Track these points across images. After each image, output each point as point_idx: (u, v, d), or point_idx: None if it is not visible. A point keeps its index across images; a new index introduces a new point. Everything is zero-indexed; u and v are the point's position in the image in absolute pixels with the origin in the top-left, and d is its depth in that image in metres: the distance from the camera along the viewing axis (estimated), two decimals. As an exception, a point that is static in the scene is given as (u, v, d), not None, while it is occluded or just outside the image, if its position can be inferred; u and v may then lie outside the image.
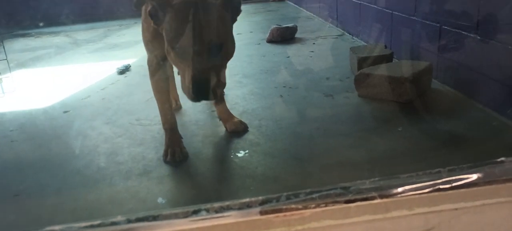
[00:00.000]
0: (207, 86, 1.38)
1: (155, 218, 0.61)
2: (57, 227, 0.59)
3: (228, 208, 0.62)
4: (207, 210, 0.62)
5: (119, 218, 0.60)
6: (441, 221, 0.63)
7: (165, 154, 1.68)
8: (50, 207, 1.47)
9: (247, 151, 1.70)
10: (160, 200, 1.41)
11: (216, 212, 0.62)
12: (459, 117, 1.84)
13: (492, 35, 1.76)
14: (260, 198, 0.63)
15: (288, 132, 1.86)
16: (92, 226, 0.59)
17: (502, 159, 0.65)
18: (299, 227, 0.62)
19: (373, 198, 0.62)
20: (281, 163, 1.61)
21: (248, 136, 1.83)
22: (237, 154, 1.70)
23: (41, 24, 4.92)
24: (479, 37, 1.84)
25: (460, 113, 1.88)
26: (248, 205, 0.62)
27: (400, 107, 1.99)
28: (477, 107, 1.88)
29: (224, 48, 1.44)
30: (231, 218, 0.61)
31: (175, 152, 1.68)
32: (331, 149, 1.69)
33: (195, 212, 0.61)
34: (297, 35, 3.58)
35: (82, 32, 4.72)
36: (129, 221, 0.60)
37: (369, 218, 0.63)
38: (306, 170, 1.56)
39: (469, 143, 1.61)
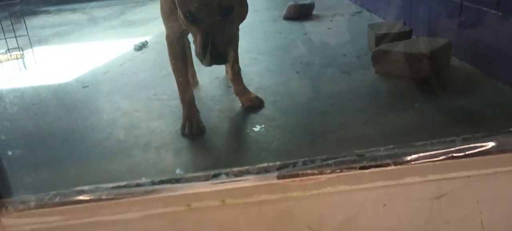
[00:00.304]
0: (218, 49, 1.38)
1: (177, 180, 0.64)
2: (86, 187, 0.62)
3: (247, 172, 0.64)
4: (227, 174, 0.64)
5: (143, 180, 0.63)
6: (454, 188, 0.65)
7: (183, 127, 1.71)
8: (71, 176, 1.52)
9: (262, 126, 1.72)
10: (178, 171, 1.45)
11: (236, 175, 0.64)
12: (477, 94, 1.83)
13: (513, 11, 1.73)
14: (278, 163, 0.65)
15: (304, 107, 1.87)
16: (118, 187, 0.62)
17: (517, 128, 0.66)
18: (315, 192, 0.65)
19: (387, 165, 0.64)
20: (296, 137, 1.63)
21: (264, 111, 1.85)
22: (253, 128, 1.72)
23: (59, 1, 4.97)
24: (500, 14, 1.81)
25: (478, 90, 1.86)
26: (266, 170, 0.64)
27: (417, 84, 1.98)
28: (496, 85, 1.86)
29: (234, 9, 1.44)
30: (249, 181, 0.64)
31: (193, 125, 1.71)
32: (346, 124, 1.70)
33: (215, 176, 0.64)
34: (314, 12, 3.55)
35: (99, 9, 4.75)
36: (153, 183, 0.63)
37: (383, 184, 0.65)
38: (321, 144, 1.58)
39: (485, 119, 1.60)
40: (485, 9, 1.90)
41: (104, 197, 0.61)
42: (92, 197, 0.61)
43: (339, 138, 1.61)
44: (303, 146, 1.57)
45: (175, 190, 0.62)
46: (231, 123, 1.81)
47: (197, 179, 0.63)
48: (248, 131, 1.72)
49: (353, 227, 0.65)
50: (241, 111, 1.89)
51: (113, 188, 0.62)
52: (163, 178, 0.63)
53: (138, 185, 0.62)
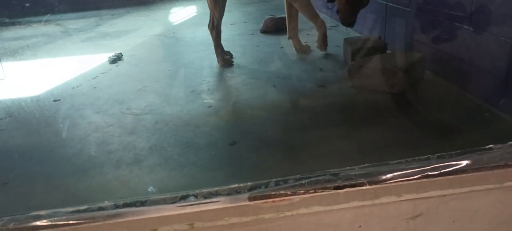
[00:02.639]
0: None
1: (142, 203, 0.60)
2: (43, 212, 0.58)
3: (217, 194, 0.61)
4: (196, 196, 0.61)
5: (106, 203, 0.59)
6: (429, 207, 0.63)
7: None
8: (40, 195, 1.45)
9: (239, 141, 1.69)
10: (150, 189, 1.41)
11: (205, 197, 0.61)
12: (451, 108, 1.85)
13: (485, 26, 1.76)
14: (249, 184, 0.62)
15: (281, 121, 1.85)
16: (78, 211, 0.58)
17: (491, 146, 0.65)
18: (288, 213, 0.62)
19: (362, 184, 0.62)
20: (273, 152, 1.60)
21: (241, 126, 1.83)
22: (228, 143, 1.69)
23: (31, 12, 4.85)
24: (472, 29, 1.84)
25: (452, 104, 1.89)
26: (237, 191, 0.62)
27: (393, 98, 1.99)
28: (469, 98, 1.89)
29: None
30: (219, 203, 0.61)
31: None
32: (323, 138, 1.69)
33: (183, 198, 0.61)
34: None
35: (73, 21, 4.66)
36: (116, 206, 0.60)
37: (358, 204, 0.63)
38: (298, 159, 1.56)
39: (460, 133, 1.61)
40: (457, 24, 1.94)
41: (62, 222, 0.57)
42: (50, 223, 0.57)
43: (316, 153, 1.59)
44: (279, 161, 1.54)
45: (140, 214, 0.58)
46: (207, 138, 1.78)
47: (164, 202, 0.60)
48: (223, 146, 1.68)
49: (327, 250, 0.63)
50: (217, 126, 1.86)
51: (72, 212, 0.58)
52: (127, 200, 0.59)
53: (100, 208, 0.58)
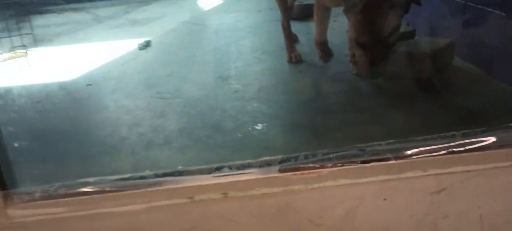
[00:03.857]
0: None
1: (180, 173, 0.65)
2: (90, 179, 0.63)
3: (249, 166, 0.65)
4: (229, 167, 0.65)
5: (147, 172, 0.64)
6: (453, 183, 0.66)
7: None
8: (76, 172, 1.53)
9: (265, 124, 1.73)
10: (180, 168, 1.46)
11: (238, 169, 0.65)
12: (479, 94, 1.83)
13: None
14: (280, 156, 0.66)
15: (307, 106, 1.88)
16: (122, 179, 0.63)
17: (516, 123, 0.66)
18: (316, 185, 0.65)
19: (388, 159, 0.65)
20: (299, 136, 1.64)
21: (267, 110, 1.86)
22: (255, 126, 1.73)
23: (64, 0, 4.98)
24: (503, 14, 1.81)
25: (480, 90, 1.87)
26: (268, 163, 0.65)
27: (420, 84, 1.99)
28: (498, 85, 1.87)
29: None
30: (251, 175, 0.65)
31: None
32: (349, 123, 1.70)
33: (218, 169, 0.65)
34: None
35: (103, 9, 4.77)
36: (156, 175, 0.64)
37: (383, 178, 0.66)
38: (323, 143, 1.59)
39: (487, 118, 1.60)
40: (488, 9, 1.91)
41: (108, 188, 0.62)
42: (97, 189, 0.62)
43: (341, 137, 1.61)
44: (305, 144, 1.57)
45: (178, 183, 0.63)
46: (234, 121, 1.82)
47: (200, 172, 0.64)
48: (250, 129, 1.72)
49: (353, 221, 0.66)
50: (243, 110, 1.90)
51: (117, 180, 0.63)
52: (167, 170, 0.64)
53: (142, 177, 0.63)
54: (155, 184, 0.63)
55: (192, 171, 0.65)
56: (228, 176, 0.65)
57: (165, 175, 0.64)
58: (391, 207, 0.67)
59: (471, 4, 2.04)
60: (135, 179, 0.63)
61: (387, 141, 0.67)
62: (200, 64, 2.62)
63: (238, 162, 0.66)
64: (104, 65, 2.74)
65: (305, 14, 3.44)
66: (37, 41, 3.20)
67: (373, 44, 1.72)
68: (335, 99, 1.93)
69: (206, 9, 4.43)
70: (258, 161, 0.66)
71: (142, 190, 0.62)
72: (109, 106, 2.06)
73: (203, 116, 1.85)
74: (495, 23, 1.87)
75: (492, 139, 0.64)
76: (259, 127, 1.72)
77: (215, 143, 1.65)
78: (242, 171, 0.65)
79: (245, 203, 0.66)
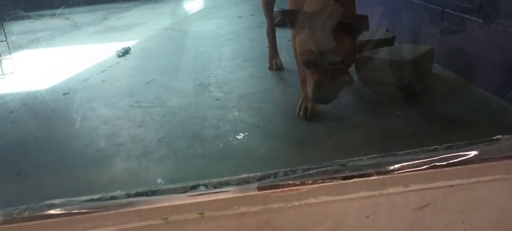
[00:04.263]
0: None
1: (154, 192, 0.61)
2: (57, 201, 0.59)
3: (227, 184, 0.62)
4: (206, 186, 0.62)
5: (118, 192, 0.60)
6: (436, 198, 0.64)
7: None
8: (51, 185, 1.47)
9: (246, 133, 1.70)
10: (159, 180, 1.42)
11: (215, 187, 0.62)
12: (459, 101, 1.84)
13: (494, 18, 1.75)
14: (258, 174, 0.63)
15: (288, 114, 1.86)
16: (92, 200, 0.60)
17: (499, 136, 0.65)
18: (296, 203, 0.63)
19: (369, 175, 0.63)
20: (281, 145, 1.61)
21: (248, 119, 1.83)
22: (236, 136, 1.70)
23: (41, 6, 4.87)
24: (481, 21, 1.83)
25: (460, 97, 1.88)
26: (246, 181, 0.63)
27: (400, 91, 1.99)
28: (478, 91, 1.88)
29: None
30: (229, 193, 0.62)
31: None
32: (330, 131, 1.69)
33: (194, 187, 0.62)
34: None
35: (81, 15, 4.68)
36: (128, 195, 0.61)
37: (365, 195, 0.64)
38: (305, 152, 1.57)
39: (468, 126, 1.61)
40: (466, 16, 1.92)
41: (76, 211, 0.58)
42: (64, 211, 0.59)
43: (323, 145, 1.60)
44: (287, 153, 1.55)
45: (152, 203, 0.60)
46: (215, 130, 1.79)
47: (175, 191, 0.61)
48: (231, 138, 1.69)
49: (335, 239, 0.64)
50: (224, 119, 1.87)
51: (86, 201, 0.59)
52: (139, 190, 0.60)
53: (113, 197, 0.60)
54: (126, 205, 0.60)
55: (166, 190, 0.62)
56: (204, 195, 0.62)
57: (137, 194, 0.61)
58: (374, 224, 0.65)
59: (450, 11, 2.06)
60: (105, 199, 0.59)
61: (368, 156, 0.65)
62: (180, 71, 2.58)
63: (215, 180, 0.63)
64: (81, 72, 2.67)
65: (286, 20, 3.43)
66: (12, 48, 3.11)
67: (320, 65, 1.52)
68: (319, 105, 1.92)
69: (186, 15, 4.39)
70: (236, 178, 0.63)
71: (113, 211, 0.59)
72: (87, 115, 2.01)
73: (183, 125, 1.82)
74: (473, 30, 1.89)
75: (474, 153, 0.62)
76: (240, 136, 1.70)
77: (196, 153, 1.61)
78: (219, 190, 0.62)
79: (223, 222, 0.63)
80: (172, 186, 0.62)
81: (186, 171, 1.51)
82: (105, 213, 0.58)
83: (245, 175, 0.63)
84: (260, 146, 1.60)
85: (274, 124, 1.77)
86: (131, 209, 0.60)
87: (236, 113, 1.91)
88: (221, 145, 1.66)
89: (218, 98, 2.07)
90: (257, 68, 2.47)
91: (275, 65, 2.41)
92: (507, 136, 0.64)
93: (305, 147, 1.59)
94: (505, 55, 1.71)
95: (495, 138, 0.64)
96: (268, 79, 2.29)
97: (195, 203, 0.61)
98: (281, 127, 1.75)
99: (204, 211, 0.62)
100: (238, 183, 0.63)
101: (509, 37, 1.66)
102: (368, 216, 0.64)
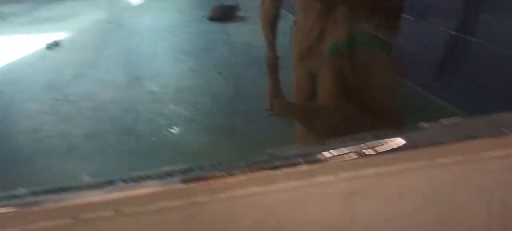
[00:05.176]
0: None
1: (64, 190, 0.55)
2: None
3: (147, 178, 0.57)
4: (124, 180, 0.57)
5: (20, 190, 0.53)
6: (365, 186, 0.63)
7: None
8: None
9: (182, 127, 1.65)
10: (86, 178, 1.33)
11: (134, 181, 0.57)
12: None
13: (424, 16, 1.82)
14: (182, 166, 0.59)
15: (226, 109, 1.82)
16: (-12, 199, 0.52)
17: (424, 123, 0.65)
18: (223, 195, 0.59)
19: (299, 164, 0.61)
20: (217, 139, 1.57)
21: (185, 113, 1.78)
22: (171, 130, 1.64)
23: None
24: (413, 18, 1.90)
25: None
26: (169, 174, 0.58)
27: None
28: (408, 85, 1.95)
29: None
30: (149, 187, 0.57)
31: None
32: (269, 125, 1.67)
33: (110, 183, 0.56)
34: (238, 13, 3.53)
35: (7, 5, 4.34)
36: (33, 193, 0.54)
37: (295, 185, 0.61)
38: (242, 146, 1.54)
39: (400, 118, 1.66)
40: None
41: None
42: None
43: (261, 139, 1.58)
44: (223, 148, 1.52)
45: (59, 201, 0.53)
46: (148, 125, 1.71)
47: (88, 188, 0.55)
48: (165, 133, 1.63)
49: (263, 230, 0.61)
50: (159, 113, 1.80)
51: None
52: (47, 187, 0.54)
53: (14, 196, 0.52)
54: (31, 204, 0.53)
55: (78, 187, 0.55)
56: (122, 191, 0.56)
57: (45, 192, 0.54)
58: (303, 214, 0.63)
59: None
60: (5, 198, 0.52)
61: (297, 145, 0.63)
62: (115, 65, 2.46)
63: (134, 174, 0.57)
64: (6, 66, 2.47)
65: (226, 15, 3.41)
66: None
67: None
68: (253, 100, 1.90)
69: (124, 7, 4.21)
70: (157, 172, 0.58)
71: (14, 210, 0.51)
72: (8, 110, 1.85)
73: (114, 119, 1.73)
74: (404, 27, 1.95)
75: (402, 140, 0.62)
76: (175, 130, 1.64)
77: (126, 148, 1.54)
78: (138, 184, 0.57)
79: (143, 219, 0.58)
80: (86, 182, 0.56)
81: (115, 167, 1.43)
82: (4, 211, 0.51)
83: (168, 168, 0.58)
84: (195, 141, 1.55)
85: (211, 118, 1.72)
86: (36, 208, 0.53)
87: (172, 108, 1.84)
88: (154, 140, 1.59)
89: (154, 92, 2.00)
90: (195, 62, 2.41)
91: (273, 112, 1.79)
92: (431, 123, 0.64)
93: (242, 142, 1.57)
94: (432, 51, 1.79)
95: (420, 125, 0.64)
96: (206, 73, 2.24)
97: (111, 199, 0.56)
98: (218, 121, 1.71)
99: (120, 208, 0.56)
100: (160, 176, 0.57)
101: (437, 34, 1.73)
102: (297, 206, 0.62)
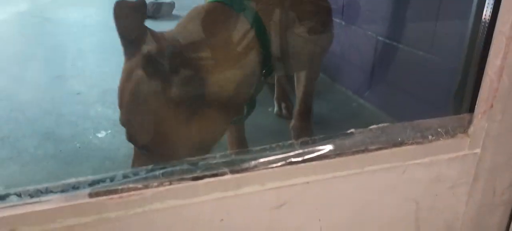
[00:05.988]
0: None
1: None
2: None
3: (48, 191, 0.51)
4: (19, 195, 0.50)
5: None
6: (293, 195, 0.60)
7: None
8: None
9: (109, 131, 1.55)
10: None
11: (31, 196, 0.50)
12: (323, 99, 1.92)
13: (355, 20, 1.86)
14: (90, 177, 0.53)
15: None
16: None
17: (352, 130, 0.64)
18: (139, 210, 0.54)
19: (223, 174, 0.57)
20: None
21: (113, 115, 1.67)
22: (97, 134, 1.53)
23: None
24: (344, 22, 1.94)
25: (325, 96, 1.97)
26: (74, 187, 0.52)
27: (269, 89, 2.01)
28: (340, 90, 1.99)
29: None
30: (51, 203, 0.50)
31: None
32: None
33: (2, 198, 0.49)
34: (174, 12, 3.43)
35: None
36: None
37: (219, 196, 0.57)
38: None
39: (330, 123, 1.68)
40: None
41: None
42: None
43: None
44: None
45: None
46: (72, 128, 1.59)
47: (-25, 204, 0.47)
48: (91, 137, 1.52)
49: (184, 248, 0.56)
50: (85, 115, 1.68)
51: None
52: None
53: None
54: None
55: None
56: (18, 207, 0.49)
57: None
58: (228, 227, 0.59)
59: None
60: None
61: (221, 153, 0.59)
62: (35, 62, 2.27)
63: (32, 188, 0.50)
64: None
65: (159, 13, 3.31)
66: None
67: None
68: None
69: (50, 0, 3.95)
70: (60, 184, 0.51)
71: None
72: None
73: (33, 122, 1.58)
74: (336, 31, 1.99)
75: (329, 147, 0.60)
76: (102, 134, 1.53)
77: (46, 154, 1.41)
78: (37, 199, 0.50)
79: (43, 239, 0.51)
80: (-28, 197, 0.48)
81: (31, 175, 1.30)
82: None
83: (74, 180, 0.52)
84: (123, 146, 1.45)
85: (141, 120, 1.63)
86: None
87: (99, 109, 1.73)
88: (78, 145, 1.48)
89: (79, 93, 1.87)
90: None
91: (285, 110, 1.75)
92: (360, 130, 0.63)
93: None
94: (363, 56, 1.83)
95: (348, 132, 0.63)
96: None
97: (4, 217, 0.48)
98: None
99: (16, 227, 0.49)
100: (63, 189, 0.51)
101: (367, 39, 1.78)
102: (222, 219, 0.57)
